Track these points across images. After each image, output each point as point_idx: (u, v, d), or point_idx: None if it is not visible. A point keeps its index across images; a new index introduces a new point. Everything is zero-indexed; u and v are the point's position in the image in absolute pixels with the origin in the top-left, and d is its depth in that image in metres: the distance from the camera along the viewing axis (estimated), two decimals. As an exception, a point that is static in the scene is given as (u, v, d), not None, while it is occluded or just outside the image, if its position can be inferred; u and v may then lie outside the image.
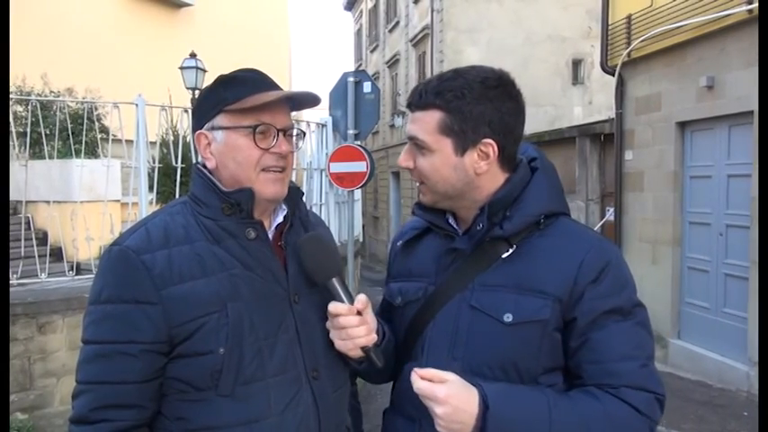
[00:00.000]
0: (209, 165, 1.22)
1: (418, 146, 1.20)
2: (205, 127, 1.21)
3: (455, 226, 1.28)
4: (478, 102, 1.16)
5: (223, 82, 1.21)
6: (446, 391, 1.04)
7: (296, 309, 1.21)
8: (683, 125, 6.51)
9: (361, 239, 9.87)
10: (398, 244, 1.40)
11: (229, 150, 1.18)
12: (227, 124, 1.18)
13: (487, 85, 1.17)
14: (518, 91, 1.21)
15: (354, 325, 1.15)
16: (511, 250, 1.19)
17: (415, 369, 1.07)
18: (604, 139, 8.25)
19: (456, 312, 1.20)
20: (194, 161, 5.06)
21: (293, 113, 1.30)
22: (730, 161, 5.88)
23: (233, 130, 1.18)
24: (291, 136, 1.24)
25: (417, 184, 1.26)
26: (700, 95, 6.10)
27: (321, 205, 6.54)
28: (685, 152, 6.57)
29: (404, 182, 17.37)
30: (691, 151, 6.50)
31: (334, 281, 1.18)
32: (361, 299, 1.17)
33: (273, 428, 1.14)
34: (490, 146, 1.18)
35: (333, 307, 1.16)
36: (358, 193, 7.22)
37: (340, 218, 6.98)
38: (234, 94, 1.17)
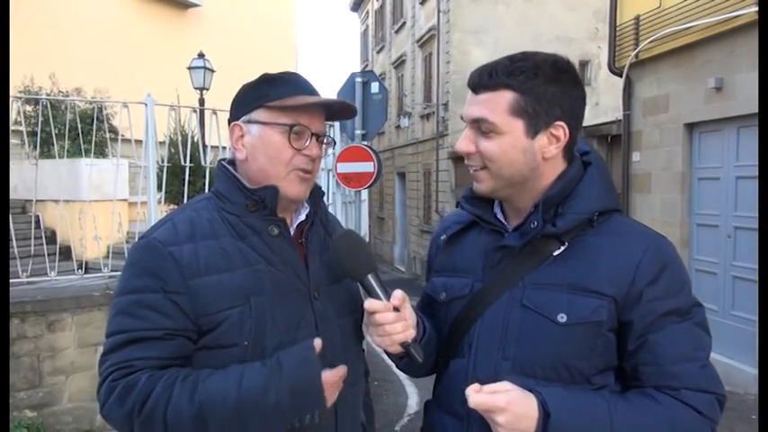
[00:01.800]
0: (240, 156, 1.24)
1: (482, 129, 1.15)
2: (242, 119, 1.24)
3: (503, 221, 1.25)
4: (550, 83, 1.13)
5: (267, 80, 1.24)
6: (506, 399, 1.02)
7: (316, 305, 1.23)
8: (691, 127, 6.49)
9: (367, 240, 9.87)
10: (442, 238, 1.36)
11: (263, 145, 1.21)
12: (264, 119, 1.21)
13: (559, 68, 1.14)
14: (581, 80, 1.20)
15: (391, 321, 1.13)
16: (563, 248, 1.16)
17: (469, 389, 1.05)
18: (611, 140, 8.22)
19: (506, 311, 1.17)
20: (202, 161, 5.09)
21: None
22: (739, 163, 5.86)
23: (270, 126, 1.21)
24: (323, 142, 1.27)
25: (474, 170, 1.20)
26: (708, 97, 6.08)
27: (328, 205, 6.55)
28: (693, 154, 6.54)
29: (409, 183, 17.36)
30: (699, 153, 6.47)
31: (371, 277, 1.17)
32: (397, 295, 1.15)
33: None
34: (561, 128, 1.15)
35: (369, 304, 1.14)
36: (365, 194, 7.22)
37: (347, 218, 6.99)
38: (276, 92, 1.21)
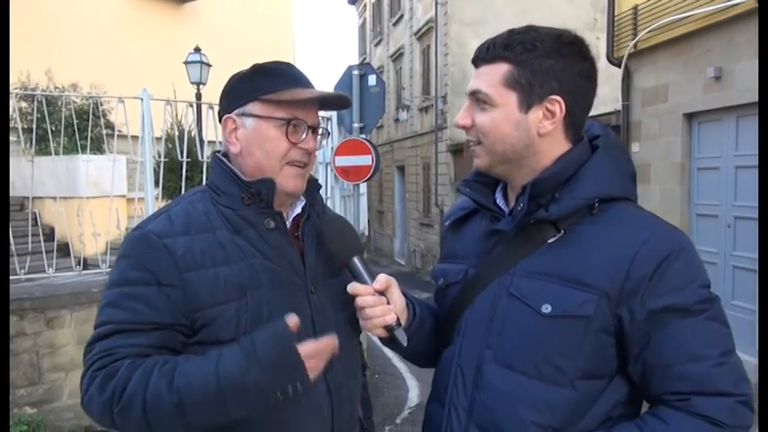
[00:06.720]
0: (233, 150, 1.23)
1: (479, 101, 1.12)
2: (235, 112, 1.22)
3: (503, 207, 1.21)
4: (549, 56, 1.08)
5: (260, 71, 1.22)
6: None
7: (312, 299, 1.22)
8: (690, 116, 6.46)
9: (366, 233, 9.87)
10: (446, 224, 1.35)
11: (258, 139, 1.19)
12: (259, 113, 1.19)
13: (562, 41, 1.10)
14: (592, 55, 1.14)
15: (371, 305, 1.14)
16: (558, 235, 1.09)
17: None
18: (610, 131, 8.21)
19: (494, 298, 1.13)
20: (199, 156, 5.07)
21: None
22: (738, 152, 5.84)
23: (265, 119, 1.19)
24: (317, 134, 1.25)
25: (472, 146, 1.17)
26: (707, 86, 6.06)
27: (327, 199, 6.54)
28: (692, 144, 6.52)
29: (408, 176, 17.34)
30: (698, 143, 6.45)
31: (356, 260, 1.19)
32: (380, 279, 1.16)
33: (289, 416, 1.16)
34: (557, 103, 1.09)
35: (351, 287, 1.16)
36: (363, 187, 7.22)
37: (345, 212, 6.98)
38: (270, 85, 1.19)
